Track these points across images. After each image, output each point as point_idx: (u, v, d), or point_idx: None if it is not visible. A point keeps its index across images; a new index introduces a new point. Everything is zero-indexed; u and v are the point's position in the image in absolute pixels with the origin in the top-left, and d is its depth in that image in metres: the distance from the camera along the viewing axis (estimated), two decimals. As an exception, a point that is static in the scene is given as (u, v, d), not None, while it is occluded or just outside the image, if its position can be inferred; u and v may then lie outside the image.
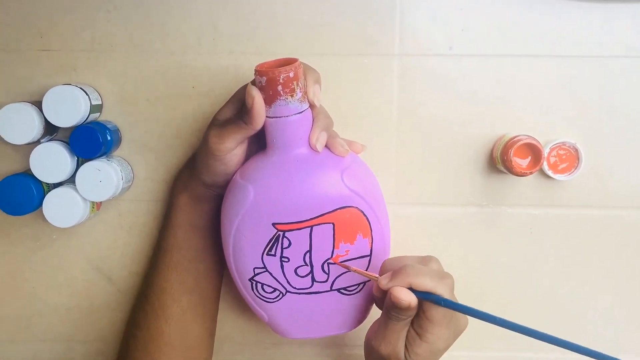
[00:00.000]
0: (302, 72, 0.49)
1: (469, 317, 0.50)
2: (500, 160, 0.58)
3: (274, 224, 0.50)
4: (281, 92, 0.48)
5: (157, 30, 0.60)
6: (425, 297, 0.47)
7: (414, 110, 0.61)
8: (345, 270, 0.52)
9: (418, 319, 0.48)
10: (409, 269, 0.47)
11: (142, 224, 0.62)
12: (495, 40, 0.60)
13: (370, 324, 0.52)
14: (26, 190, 0.56)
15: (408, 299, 0.46)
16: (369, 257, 0.52)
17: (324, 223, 0.50)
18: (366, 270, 0.52)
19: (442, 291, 0.47)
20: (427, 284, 0.47)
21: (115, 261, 0.63)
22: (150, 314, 0.57)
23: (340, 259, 0.52)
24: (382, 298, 0.50)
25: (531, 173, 0.57)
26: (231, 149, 0.51)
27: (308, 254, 0.51)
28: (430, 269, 0.48)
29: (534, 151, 0.57)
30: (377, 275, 0.49)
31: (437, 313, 0.47)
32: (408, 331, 0.49)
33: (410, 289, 0.47)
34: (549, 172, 0.60)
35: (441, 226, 0.62)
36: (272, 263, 0.51)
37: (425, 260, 0.50)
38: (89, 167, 0.57)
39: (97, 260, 0.63)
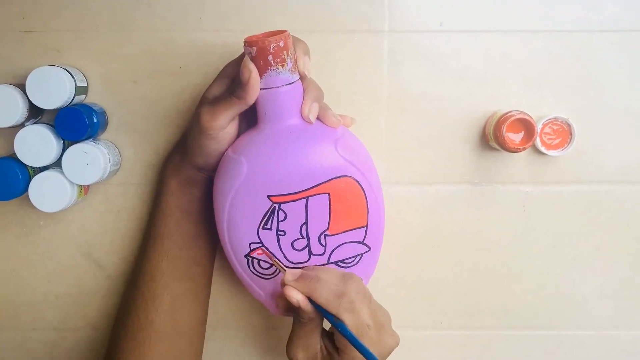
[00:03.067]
0: (291, 42, 0.49)
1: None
2: (492, 137, 0.58)
3: (269, 197, 0.49)
4: (272, 62, 0.47)
5: (142, 9, 0.59)
6: (323, 314, 0.48)
7: (404, 88, 0.60)
8: (343, 242, 0.52)
9: (336, 333, 0.50)
10: (314, 281, 0.49)
11: (131, 208, 0.61)
12: (486, 16, 0.59)
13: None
14: (11, 174, 0.55)
15: (297, 297, 0.48)
16: (365, 228, 0.52)
17: (319, 194, 0.49)
18: (363, 241, 0.52)
19: (344, 317, 0.48)
20: (322, 300, 0.48)
21: (105, 246, 0.62)
22: (140, 302, 0.56)
23: (336, 232, 0.51)
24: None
25: (524, 149, 0.56)
26: (224, 126, 0.51)
27: (304, 226, 0.50)
28: (332, 287, 0.49)
29: (526, 126, 0.57)
30: (286, 269, 0.50)
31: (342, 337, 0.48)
32: (332, 343, 0.51)
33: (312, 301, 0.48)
34: (542, 148, 0.60)
35: (434, 204, 0.62)
36: (268, 237, 0.51)
37: (344, 278, 0.50)
38: (75, 149, 0.56)
39: (86, 245, 0.62)
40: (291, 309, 0.50)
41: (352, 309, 0.48)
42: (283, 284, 0.49)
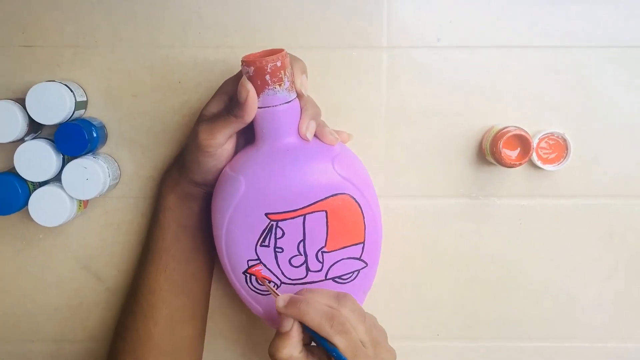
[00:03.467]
0: (288, 61, 0.49)
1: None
2: (489, 152, 0.58)
3: (266, 214, 0.50)
4: (269, 81, 0.48)
5: (142, 24, 0.59)
6: (316, 339, 0.48)
7: (402, 103, 0.60)
8: (340, 258, 0.52)
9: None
10: (303, 305, 0.48)
11: (130, 221, 0.62)
12: (484, 32, 0.60)
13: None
14: (11, 189, 0.55)
15: (288, 327, 0.48)
16: (362, 244, 0.52)
17: (317, 211, 0.50)
18: (360, 257, 0.53)
19: (337, 342, 0.47)
20: (313, 324, 0.48)
21: (104, 259, 0.62)
22: (138, 316, 0.57)
23: (333, 249, 0.51)
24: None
25: (520, 164, 0.57)
26: (222, 143, 0.51)
27: (302, 244, 0.51)
28: (323, 309, 0.48)
29: (523, 142, 0.57)
30: (278, 294, 0.50)
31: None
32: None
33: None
34: (538, 163, 0.60)
35: (431, 218, 0.62)
36: (266, 254, 0.51)
37: (340, 298, 0.50)
38: (75, 164, 0.56)
39: (85, 259, 0.62)
40: None
41: (345, 331, 0.48)
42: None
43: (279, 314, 0.50)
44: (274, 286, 0.53)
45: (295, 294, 0.51)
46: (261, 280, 0.52)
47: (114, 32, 0.59)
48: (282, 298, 0.50)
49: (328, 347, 0.48)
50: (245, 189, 0.49)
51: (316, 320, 0.48)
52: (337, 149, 0.52)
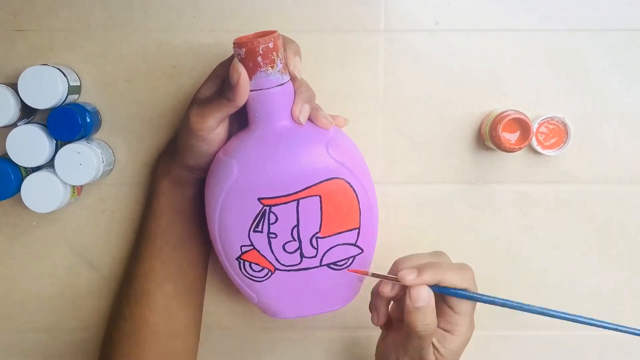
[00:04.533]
0: (281, 43, 0.48)
1: None
2: (488, 137, 0.57)
3: (259, 199, 0.49)
4: (261, 63, 0.47)
5: (136, 8, 0.58)
6: (454, 294, 0.47)
7: (400, 88, 0.60)
8: (335, 244, 0.51)
9: (444, 316, 0.48)
10: (437, 266, 0.47)
11: (124, 208, 0.61)
12: (482, 15, 0.59)
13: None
14: (3, 175, 0.55)
15: (428, 297, 0.46)
16: (357, 230, 0.51)
17: (310, 196, 0.49)
18: (355, 242, 0.52)
19: (468, 285, 0.48)
20: (455, 280, 0.47)
21: (98, 247, 0.61)
22: (134, 303, 0.56)
23: (328, 234, 0.51)
24: (386, 303, 0.51)
25: (520, 148, 0.56)
26: (213, 127, 0.50)
27: (296, 229, 0.50)
28: (453, 265, 0.48)
29: (522, 126, 0.56)
30: (396, 276, 0.47)
31: (466, 305, 0.48)
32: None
33: (436, 286, 0.47)
34: (538, 148, 0.59)
35: (430, 205, 0.62)
36: (260, 240, 0.50)
37: (439, 255, 0.50)
38: (68, 149, 0.55)
39: (79, 246, 0.61)
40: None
41: (474, 278, 0.48)
42: (393, 290, 0.48)
43: (386, 295, 0.48)
44: (267, 273, 0.52)
45: (395, 263, 0.49)
46: (364, 274, 0.50)
47: (108, 17, 0.58)
48: (407, 273, 0.47)
49: (470, 296, 0.47)
50: (237, 173, 0.49)
51: (455, 277, 0.47)
52: (332, 133, 0.51)
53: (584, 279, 0.63)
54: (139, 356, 0.55)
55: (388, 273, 0.49)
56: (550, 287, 0.63)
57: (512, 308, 0.47)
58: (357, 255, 0.52)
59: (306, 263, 0.52)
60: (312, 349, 0.64)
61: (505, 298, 0.47)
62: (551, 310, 0.47)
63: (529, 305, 0.47)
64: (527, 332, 0.64)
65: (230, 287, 0.62)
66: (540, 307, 0.47)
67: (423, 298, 0.46)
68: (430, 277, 0.47)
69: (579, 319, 0.46)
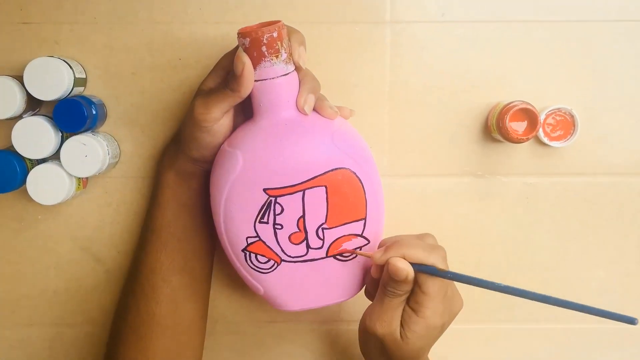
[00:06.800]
0: (285, 33, 0.48)
1: (462, 297, 0.52)
2: (495, 128, 0.57)
3: (265, 190, 0.49)
4: (265, 53, 0.47)
5: (142, 0, 0.58)
6: (423, 269, 0.47)
7: (406, 79, 0.60)
8: (341, 235, 0.51)
9: (413, 295, 0.49)
10: (402, 241, 0.48)
11: (129, 201, 0.61)
12: (489, 6, 0.59)
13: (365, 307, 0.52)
14: (9, 167, 0.55)
15: (406, 268, 0.47)
16: (363, 220, 0.51)
17: (316, 186, 0.49)
18: (362, 233, 0.52)
19: (434, 261, 0.47)
20: (419, 254, 0.47)
21: (103, 240, 0.61)
22: (140, 296, 0.56)
23: (334, 225, 0.50)
24: (376, 282, 0.51)
25: (527, 139, 0.56)
26: (217, 118, 0.50)
27: (302, 220, 0.50)
28: (422, 242, 0.49)
29: (529, 116, 0.56)
30: (371, 253, 0.50)
31: (432, 285, 0.48)
32: (403, 310, 0.49)
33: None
34: (545, 139, 0.59)
35: (436, 197, 0.61)
36: (265, 231, 0.50)
37: (421, 236, 0.51)
38: (74, 141, 0.55)
39: (84, 239, 0.61)
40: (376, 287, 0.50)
41: (444, 257, 0.49)
42: (377, 271, 0.50)
43: (375, 276, 0.50)
44: (273, 264, 0.52)
45: (380, 243, 0.52)
46: (352, 252, 0.51)
47: (113, 9, 0.58)
48: (377, 252, 0.49)
49: (437, 272, 0.47)
50: (242, 164, 0.49)
51: (422, 253, 0.47)
52: (337, 123, 0.51)
53: (592, 271, 0.62)
54: (145, 349, 0.55)
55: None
56: (557, 279, 0.62)
57: (478, 285, 0.47)
58: (363, 246, 0.52)
59: (312, 254, 0.51)
60: (318, 342, 0.64)
61: (472, 275, 0.47)
62: (522, 290, 0.46)
63: (497, 283, 0.46)
64: (537, 325, 0.63)
65: (236, 281, 0.62)
66: (510, 286, 0.46)
67: (401, 267, 0.47)
68: (394, 251, 0.48)
69: (551, 299, 0.45)
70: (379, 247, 0.51)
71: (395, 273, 0.47)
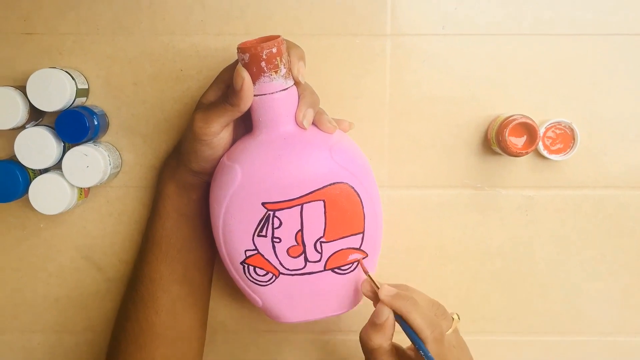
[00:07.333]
0: (285, 48, 0.48)
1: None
2: (495, 141, 0.57)
3: (263, 204, 0.49)
4: (265, 68, 0.47)
5: (144, 11, 0.58)
6: (410, 336, 0.48)
7: (406, 91, 0.60)
8: (339, 249, 0.51)
9: (406, 350, 0.50)
10: (414, 304, 0.48)
11: (131, 211, 0.61)
12: (489, 20, 0.59)
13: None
14: (11, 177, 0.55)
15: (387, 314, 0.48)
16: (362, 234, 0.51)
17: (314, 200, 0.49)
18: (359, 247, 0.52)
19: (425, 336, 0.47)
20: (420, 325, 0.48)
21: (105, 249, 0.62)
22: (139, 306, 0.56)
23: (332, 239, 0.51)
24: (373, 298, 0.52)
25: (527, 153, 0.56)
26: (217, 132, 0.50)
27: (300, 233, 0.50)
28: (429, 315, 0.49)
29: (529, 130, 0.56)
30: (381, 284, 0.50)
31: (418, 356, 0.48)
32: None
33: (401, 318, 0.48)
34: (544, 153, 0.59)
35: (435, 209, 0.61)
36: (264, 244, 0.50)
37: (434, 303, 0.51)
38: (75, 152, 0.55)
39: (86, 248, 0.62)
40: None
41: (441, 340, 0.48)
42: (376, 299, 0.50)
43: (377, 302, 0.50)
44: (272, 277, 0.52)
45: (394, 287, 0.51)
46: (364, 270, 0.52)
47: (115, 19, 0.58)
48: (387, 289, 0.49)
49: (423, 348, 0.47)
50: (241, 178, 0.49)
51: (420, 322, 0.48)
52: (336, 137, 0.51)
53: (591, 285, 0.62)
54: (145, 358, 0.56)
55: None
56: (557, 292, 0.62)
57: None
58: (362, 259, 0.52)
59: (310, 267, 0.52)
60: (316, 353, 0.64)
61: None
62: None
63: None
64: (536, 337, 0.63)
65: (235, 291, 0.62)
66: None
67: (381, 315, 0.48)
68: (400, 306, 0.48)
69: None
70: (397, 294, 0.50)
71: (375, 316, 0.48)
